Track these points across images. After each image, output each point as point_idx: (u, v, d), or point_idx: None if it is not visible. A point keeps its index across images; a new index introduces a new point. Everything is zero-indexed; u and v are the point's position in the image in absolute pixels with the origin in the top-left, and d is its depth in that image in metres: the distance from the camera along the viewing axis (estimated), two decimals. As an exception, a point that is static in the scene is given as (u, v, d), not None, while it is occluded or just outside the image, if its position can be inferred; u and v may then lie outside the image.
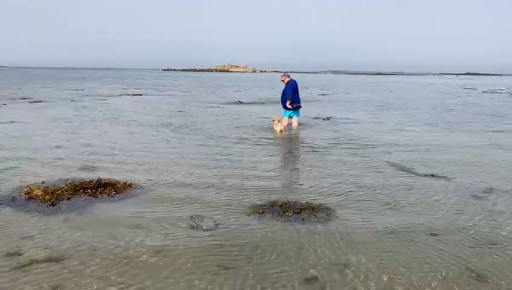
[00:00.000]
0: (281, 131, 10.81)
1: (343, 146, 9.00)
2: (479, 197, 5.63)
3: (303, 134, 10.75)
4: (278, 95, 21.64)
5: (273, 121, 11.16)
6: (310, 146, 8.94)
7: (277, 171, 6.81)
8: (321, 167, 7.08)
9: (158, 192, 5.62)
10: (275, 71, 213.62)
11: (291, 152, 8.52)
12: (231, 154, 7.92)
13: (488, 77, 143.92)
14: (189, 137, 9.92)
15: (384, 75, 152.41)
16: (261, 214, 4.88)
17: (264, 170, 6.76)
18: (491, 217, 4.93)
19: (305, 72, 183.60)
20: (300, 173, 6.71)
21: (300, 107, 11.45)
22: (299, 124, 11.73)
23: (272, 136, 10.07)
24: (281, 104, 11.55)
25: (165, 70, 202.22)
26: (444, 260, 3.87)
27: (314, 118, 13.89)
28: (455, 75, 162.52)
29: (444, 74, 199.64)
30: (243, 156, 7.80)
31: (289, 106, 11.27)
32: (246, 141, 9.47)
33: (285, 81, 11.49)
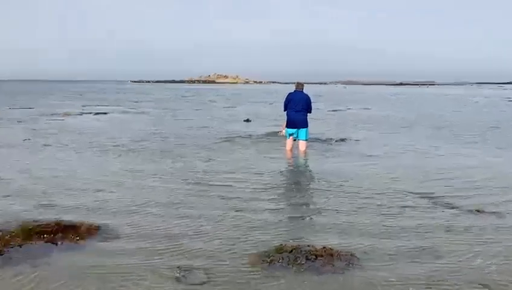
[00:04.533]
0: (280, 132, 12.39)
1: (365, 175, 9.05)
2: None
3: (313, 160, 10.83)
4: (278, 110, 21.99)
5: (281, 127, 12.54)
6: (323, 175, 8.98)
7: (284, 208, 6.83)
8: (339, 202, 7.11)
9: (132, 236, 5.59)
10: (273, 82, 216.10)
11: (300, 184, 8.56)
12: (225, 187, 7.95)
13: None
14: (170, 166, 9.94)
15: (408, 86, 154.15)
16: (264, 262, 4.85)
17: (268, 208, 6.79)
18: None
19: (311, 83, 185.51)
20: (312, 211, 6.73)
21: (300, 127, 11.59)
22: (307, 147, 11.82)
23: (279, 168, 10.13)
24: None
25: (135, 82, 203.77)
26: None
27: (325, 141, 14.01)
28: (497, 85, 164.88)
29: (483, 83, 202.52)
30: (240, 187, 7.84)
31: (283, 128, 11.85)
32: (245, 169, 9.52)
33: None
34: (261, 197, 7.37)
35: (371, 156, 11.44)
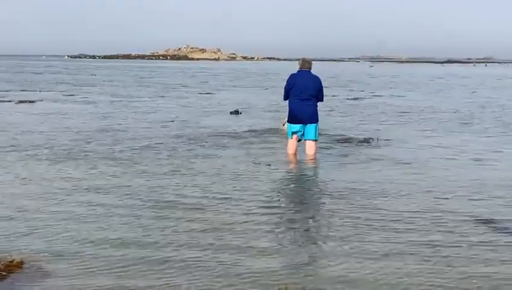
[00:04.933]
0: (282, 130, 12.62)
1: (401, 191, 9.03)
2: None
3: (326, 170, 10.86)
4: (278, 98, 21.89)
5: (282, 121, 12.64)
6: (341, 192, 8.97)
7: (287, 243, 6.74)
8: (365, 232, 7.03)
9: (70, 276, 5.55)
10: (269, 58, 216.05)
11: (308, 205, 8.52)
12: (203, 211, 7.90)
13: None
14: (127, 179, 9.91)
15: (459, 64, 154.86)
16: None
17: (264, 245, 6.67)
18: None
19: (325, 60, 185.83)
20: (326, 248, 6.59)
21: (307, 122, 11.62)
22: (317, 150, 11.88)
23: (279, 182, 10.12)
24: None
25: (74, 57, 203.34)
26: None
27: (344, 141, 14.08)
28: None
29: None
30: (225, 212, 7.80)
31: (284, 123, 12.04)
32: (232, 183, 9.52)
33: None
34: (254, 226, 7.26)
35: (408, 163, 11.47)
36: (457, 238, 6.82)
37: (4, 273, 5.53)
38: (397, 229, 7.17)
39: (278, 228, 7.29)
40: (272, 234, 6.99)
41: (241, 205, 8.25)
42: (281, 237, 6.97)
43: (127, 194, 8.79)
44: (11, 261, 5.76)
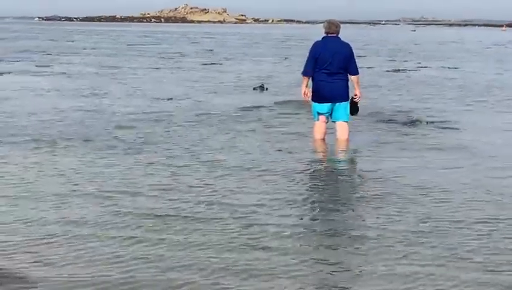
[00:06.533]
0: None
1: (467, 190, 8.80)
2: None
3: (364, 158, 10.88)
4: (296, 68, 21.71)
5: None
6: (388, 186, 8.88)
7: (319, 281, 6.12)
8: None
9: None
10: (287, 20, 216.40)
11: (347, 207, 8.16)
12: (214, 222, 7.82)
13: None
14: (118, 170, 9.89)
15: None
16: None
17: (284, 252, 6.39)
18: None
19: (357, 23, 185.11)
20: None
21: (337, 100, 11.64)
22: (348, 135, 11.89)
23: (305, 175, 10.04)
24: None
25: (47, 19, 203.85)
26: None
27: (383, 122, 14.16)
28: None
29: None
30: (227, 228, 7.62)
31: (306, 95, 12.01)
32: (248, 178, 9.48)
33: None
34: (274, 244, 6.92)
35: (474, 152, 11.31)
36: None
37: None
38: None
39: (304, 255, 6.47)
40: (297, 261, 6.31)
41: (252, 215, 7.61)
42: (307, 265, 6.20)
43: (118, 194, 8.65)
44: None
